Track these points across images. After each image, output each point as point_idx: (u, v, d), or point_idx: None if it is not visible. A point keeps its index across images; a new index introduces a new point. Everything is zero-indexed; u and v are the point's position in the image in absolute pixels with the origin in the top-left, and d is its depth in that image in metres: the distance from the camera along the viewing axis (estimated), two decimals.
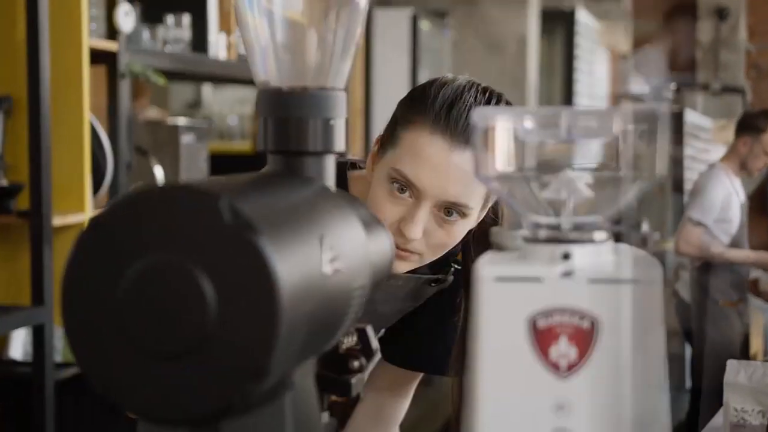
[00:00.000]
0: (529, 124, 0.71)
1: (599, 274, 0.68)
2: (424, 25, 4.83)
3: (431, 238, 1.26)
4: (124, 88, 2.67)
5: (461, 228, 1.27)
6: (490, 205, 1.33)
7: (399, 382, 1.51)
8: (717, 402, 4.61)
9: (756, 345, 4.57)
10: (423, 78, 5.81)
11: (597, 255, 0.70)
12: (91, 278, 0.63)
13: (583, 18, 7.52)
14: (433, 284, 1.41)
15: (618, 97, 8.91)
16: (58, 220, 2.40)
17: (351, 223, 0.77)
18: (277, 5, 0.82)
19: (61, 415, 2.41)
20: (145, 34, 2.92)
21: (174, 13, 3.00)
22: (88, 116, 2.49)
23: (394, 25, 4.70)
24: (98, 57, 2.62)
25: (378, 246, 0.85)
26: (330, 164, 0.83)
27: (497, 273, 0.69)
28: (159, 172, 2.91)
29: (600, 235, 0.71)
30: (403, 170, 1.23)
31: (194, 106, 5.66)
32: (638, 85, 5.45)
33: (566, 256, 0.70)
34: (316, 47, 0.83)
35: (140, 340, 0.61)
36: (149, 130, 3.07)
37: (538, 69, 6.11)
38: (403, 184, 1.24)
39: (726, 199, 4.21)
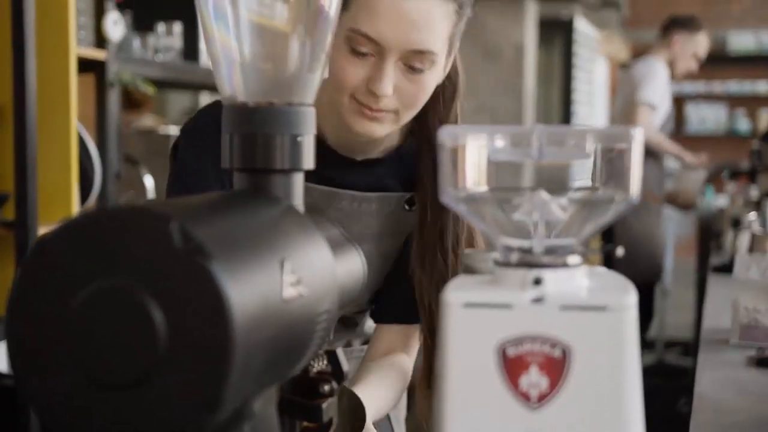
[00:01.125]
0: (499, 143, 0.69)
1: (571, 301, 0.65)
2: None
3: (402, 94, 1.23)
4: (113, 97, 2.65)
5: (430, 79, 1.24)
6: (454, 52, 1.30)
7: (402, 340, 1.44)
8: (639, 296, 4.69)
9: None
10: None
11: (570, 280, 0.68)
12: (38, 303, 0.60)
13: (582, 27, 7.50)
14: (407, 206, 1.38)
15: None
16: (44, 231, 2.37)
17: (317, 245, 0.74)
18: (243, 18, 0.79)
19: (46, 428, 2.38)
20: (136, 42, 2.90)
21: (165, 22, 2.98)
22: (75, 125, 2.47)
23: None
24: (87, 65, 2.59)
25: (347, 266, 0.82)
26: (298, 182, 0.80)
27: (465, 299, 0.66)
28: (149, 182, 2.88)
29: (573, 258, 0.69)
30: (361, 28, 1.20)
31: (191, 113, 5.64)
32: None
33: (537, 282, 0.67)
34: (284, 61, 0.80)
35: (88, 369, 0.59)
36: (141, 140, 3.04)
37: (536, 78, 6.09)
38: (362, 44, 1.20)
39: (665, 83, 4.34)
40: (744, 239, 2.94)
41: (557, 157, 0.69)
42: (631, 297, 0.66)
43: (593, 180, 0.70)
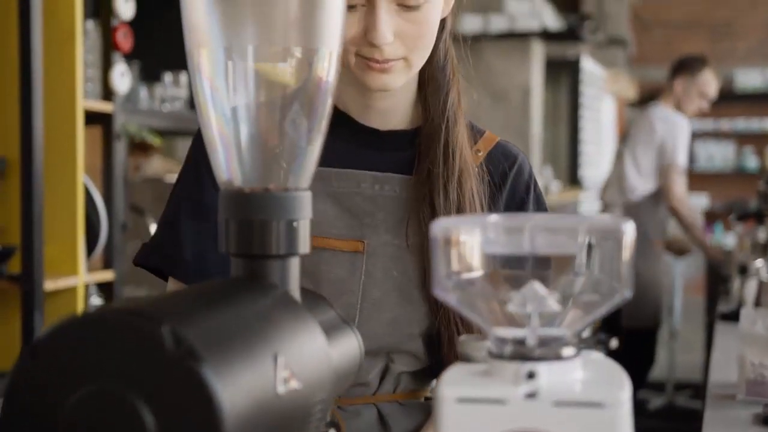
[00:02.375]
0: (492, 235, 0.69)
1: (565, 396, 0.65)
2: None
3: (405, 37, 1.14)
4: (120, 148, 2.66)
5: (431, 12, 1.15)
6: None
7: None
8: (640, 341, 4.54)
9: None
10: None
11: (564, 373, 0.67)
12: (30, 406, 0.60)
13: (588, 66, 7.53)
14: None
15: None
16: (50, 285, 2.37)
17: (311, 333, 0.74)
18: (240, 104, 0.80)
19: None
20: (143, 92, 2.92)
21: (172, 71, 3.00)
22: (82, 178, 2.48)
23: None
24: (94, 117, 2.61)
25: (342, 350, 0.82)
26: (294, 267, 0.80)
27: (459, 393, 0.66)
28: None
29: (568, 350, 0.68)
30: None
31: None
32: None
33: (531, 375, 0.67)
34: (280, 145, 0.81)
35: None
36: (148, 187, 3.05)
37: (543, 118, 6.11)
38: None
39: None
40: (751, 287, 2.93)
41: (549, 249, 0.69)
42: (625, 391, 0.66)
43: (586, 271, 0.70)
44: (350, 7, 1.12)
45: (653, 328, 4.43)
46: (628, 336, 4.25)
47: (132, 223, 2.84)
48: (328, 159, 1.28)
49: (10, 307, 2.41)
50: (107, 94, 2.64)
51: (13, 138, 2.38)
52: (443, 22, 1.23)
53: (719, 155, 10.21)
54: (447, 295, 0.70)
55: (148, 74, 2.97)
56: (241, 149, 0.80)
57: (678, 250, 4.95)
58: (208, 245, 1.18)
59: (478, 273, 0.70)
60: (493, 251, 0.69)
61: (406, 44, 1.14)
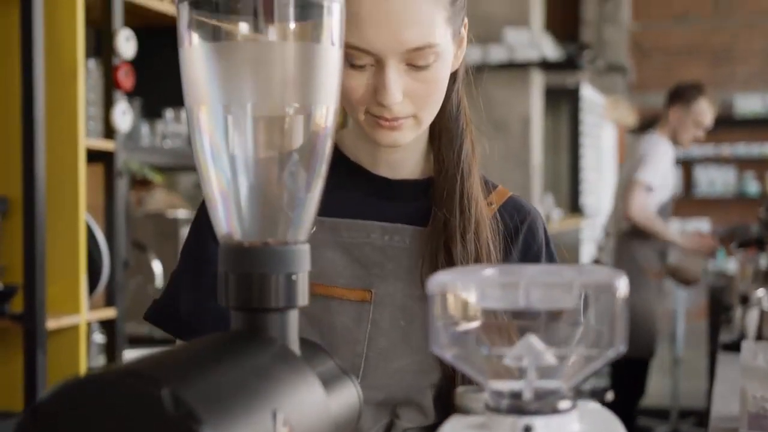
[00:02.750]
0: (487, 290, 0.70)
1: None
2: None
3: (415, 95, 1.13)
4: (121, 186, 2.68)
5: (441, 70, 1.14)
6: (464, 33, 1.21)
7: None
8: (632, 370, 4.49)
9: None
10: None
11: (561, 427, 0.68)
12: None
13: (588, 94, 7.56)
14: None
15: None
16: (52, 323, 2.38)
17: (309, 387, 0.75)
18: (239, 159, 0.81)
19: None
20: (145, 128, 2.94)
21: (173, 108, 3.02)
22: (84, 216, 2.49)
23: None
24: (96, 155, 2.63)
25: (341, 401, 0.83)
26: (293, 319, 0.81)
27: None
28: (158, 268, 2.90)
29: (564, 404, 0.69)
30: (350, 41, 1.09)
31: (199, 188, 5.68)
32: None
33: (528, 430, 0.67)
34: (279, 197, 0.82)
35: None
36: (150, 223, 3.07)
37: (544, 146, 6.13)
38: (357, 57, 1.11)
39: (668, 165, 4.37)
40: (753, 317, 2.93)
41: (545, 303, 0.70)
42: None
43: (582, 325, 0.70)
44: (359, 67, 1.12)
45: (646, 358, 4.40)
46: (620, 366, 4.22)
47: (134, 260, 2.85)
48: (338, 209, 1.29)
49: (12, 346, 2.41)
50: (109, 132, 2.66)
51: (15, 177, 2.40)
52: (454, 74, 1.23)
53: (720, 180, 10.24)
54: (444, 349, 0.71)
55: (150, 111, 3.00)
56: (240, 203, 0.81)
57: (683, 279, 4.92)
58: (205, 301, 1.19)
59: (474, 327, 0.71)
60: (489, 306, 0.70)
61: (415, 103, 1.14)
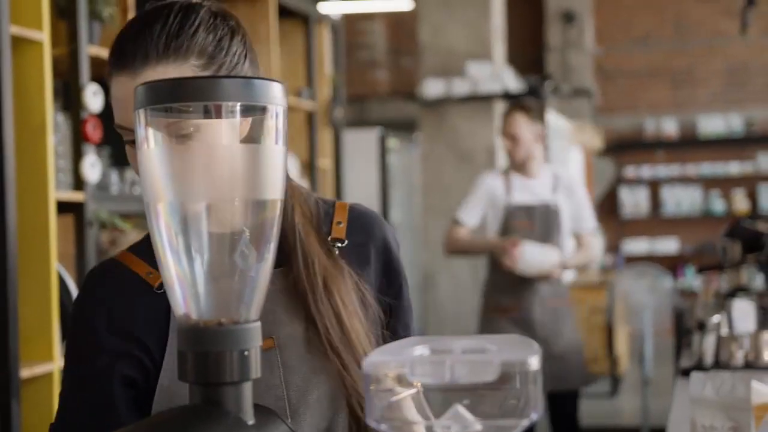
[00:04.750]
0: (417, 367, 0.78)
1: None
2: (392, 142, 4.96)
3: None
4: (91, 235, 2.75)
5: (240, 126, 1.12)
6: None
7: None
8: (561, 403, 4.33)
9: None
10: (393, 193, 5.95)
11: None
12: None
13: (553, 120, 7.69)
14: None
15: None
16: (26, 372, 2.44)
17: None
18: (194, 248, 0.89)
19: None
20: (114, 176, 3.01)
21: None
22: (55, 267, 2.56)
23: (364, 145, 4.82)
24: (66, 207, 2.70)
25: None
26: (247, 390, 0.89)
27: None
28: None
29: None
30: (118, 122, 1.19)
31: None
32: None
33: None
34: (231, 283, 0.90)
35: None
36: None
37: None
38: (125, 134, 1.19)
39: (480, 192, 4.08)
40: (710, 342, 3.01)
41: (468, 378, 0.78)
42: None
43: (502, 396, 0.79)
44: (133, 142, 1.16)
45: (576, 391, 4.26)
46: (552, 400, 4.16)
47: None
48: None
49: None
50: (78, 183, 2.73)
51: None
52: None
53: (687, 200, 10.41)
54: (379, 423, 0.79)
55: (118, 159, 3.07)
56: (195, 287, 0.89)
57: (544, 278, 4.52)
58: (101, 421, 1.20)
59: (406, 400, 0.80)
60: (419, 381, 0.79)
61: None
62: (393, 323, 1.34)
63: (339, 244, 1.29)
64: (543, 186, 4.02)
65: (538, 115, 4.01)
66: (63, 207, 2.68)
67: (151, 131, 0.88)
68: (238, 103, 0.87)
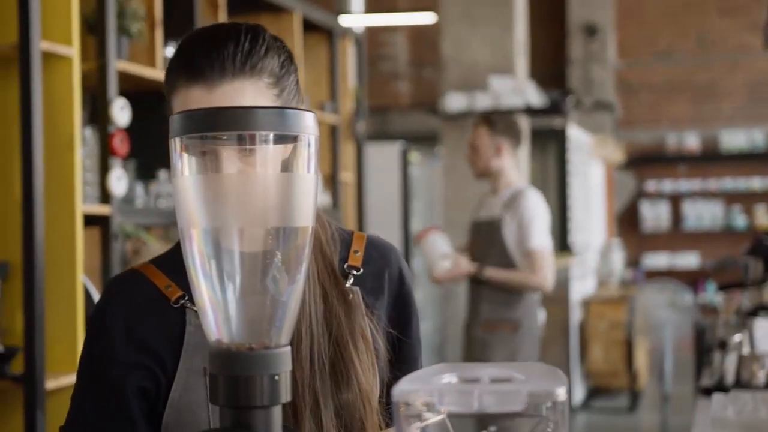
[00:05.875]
0: (445, 396, 0.80)
1: None
2: (414, 156, 4.97)
3: None
4: (117, 248, 2.78)
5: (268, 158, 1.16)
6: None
7: None
8: None
9: None
10: (414, 206, 5.96)
11: None
12: None
13: (575, 133, 7.69)
14: None
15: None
16: (51, 383, 2.47)
17: None
18: (227, 273, 0.91)
19: None
20: (139, 189, 3.04)
21: (166, 168, 3.13)
22: (81, 279, 2.59)
23: (385, 158, 4.83)
24: (92, 220, 2.73)
25: None
26: (277, 414, 0.91)
27: None
28: None
29: None
30: None
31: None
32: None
33: None
34: (262, 309, 0.92)
35: None
36: None
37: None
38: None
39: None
40: (731, 361, 3.00)
41: (496, 407, 0.80)
42: None
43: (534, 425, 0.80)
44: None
45: None
46: None
47: None
48: None
49: (12, 406, 2.49)
50: (105, 197, 2.76)
51: (15, 243, 2.49)
52: None
53: (708, 214, 10.37)
54: None
55: (144, 172, 3.10)
56: (228, 312, 0.91)
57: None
58: (111, 426, 1.22)
59: (434, 427, 0.81)
60: (447, 410, 0.80)
61: None
62: (400, 357, 1.34)
63: (354, 272, 1.31)
64: (498, 203, 3.98)
65: (503, 131, 3.98)
66: (89, 220, 2.71)
67: (186, 159, 0.90)
68: (272, 133, 0.89)
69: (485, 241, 3.96)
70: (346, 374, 1.24)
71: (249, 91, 1.20)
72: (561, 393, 0.78)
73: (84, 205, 2.63)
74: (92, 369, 1.26)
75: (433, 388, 0.80)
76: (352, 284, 1.30)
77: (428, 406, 0.80)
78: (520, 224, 3.87)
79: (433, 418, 0.82)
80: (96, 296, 2.66)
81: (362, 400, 1.23)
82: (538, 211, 3.92)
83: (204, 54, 1.20)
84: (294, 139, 0.90)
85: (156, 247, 4.01)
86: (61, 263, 2.55)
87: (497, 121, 4.01)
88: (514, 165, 4.04)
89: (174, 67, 1.23)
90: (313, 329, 1.25)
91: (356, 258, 1.33)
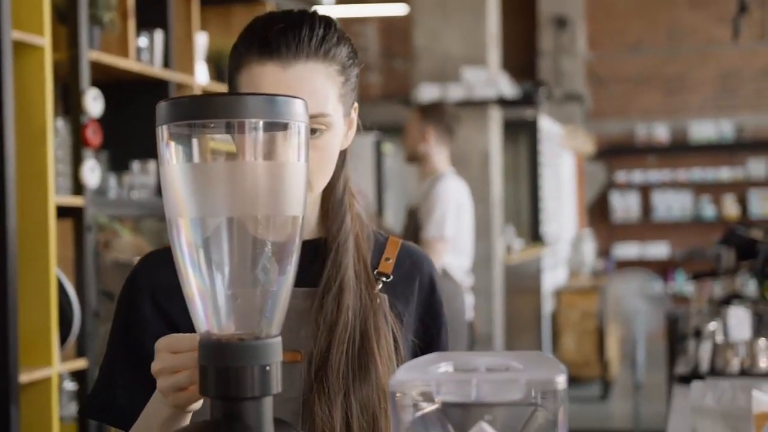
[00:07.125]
0: (442, 386, 0.79)
1: None
2: (387, 148, 4.96)
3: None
4: (90, 239, 2.74)
5: (331, 141, 1.23)
6: (354, 115, 1.29)
7: None
8: None
9: None
10: (388, 199, 5.96)
11: None
12: None
13: (546, 125, 7.71)
14: None
15: None
16: (25, 377, 2.43)
17: None
18: (215, 263, 0.89)
19: None
20: (112, 181, 3.01)
21: (139, 160, 3.10)
22: (54, 271, 2.55)
23: (358, 149, 4.81)
24: (65, 211, 2.69)
25: None
26: (268, 405, 0.89)
27: None
28: None
29: None
30: None
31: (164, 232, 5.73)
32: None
33: None
34: (252, 299, 0.90)
35: None
36: (117, 272, 3.12)
37: (504, 178, 6.25)
38: None
39: None
40: (706, 350, 3.02)
41: (494, 396, 0.79)
42: None
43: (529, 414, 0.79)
44: None
45: None
46: None
47: (103, 309, 2.91)
48: None
49: None
50: (78, 188, 2.72)
51: None
52: (343, 153, 1.31)
53: (677, 205, 10.44)
54: None
55: (117, 164, 3.07)
56: (217, 303, 0.89)
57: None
58: (143, 389, 1.19)
59: (430, 418, 0.80)
60: (445, 399, 0.79)
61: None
62: None
63: (384, 279, 1.30)
64: (421, 190, 4.05)
65: (432, 119, 4.01)
66: (62, 211, 2.67)
67: (173, 147, 0.88)
68: (261, 120, 0.87)
69: (407, 228, 4.00)
70: (365, 368, 1.23)
71: (321, 74, 1.21)
72: (560, 381, 0.77)
73: (57, 196, 2.60)
74: (124, 336, 1.27)
75: (431, 378, 0.79)
76: (381, 290, 1.30)
77: (425, 396, 0.79)
78: (427, 212, 3.88)
79: (428, 408, 0.81)
80: (70, 288, 2.63)
81: (379, 395, 1.23)
82: (445, 198, 3.90)
83: (281, 33, 1.20)
84: (284, 126, 0.89)
85: (128, 239, 3.98)
86: (34, 255, 2.51)
87: (428, 109, 4.10)
88: (441, 153, 4.04)
89: (246, 42, 1.22)
90: (349, 317, 1.25)
91: (387, 265, 1.33)
